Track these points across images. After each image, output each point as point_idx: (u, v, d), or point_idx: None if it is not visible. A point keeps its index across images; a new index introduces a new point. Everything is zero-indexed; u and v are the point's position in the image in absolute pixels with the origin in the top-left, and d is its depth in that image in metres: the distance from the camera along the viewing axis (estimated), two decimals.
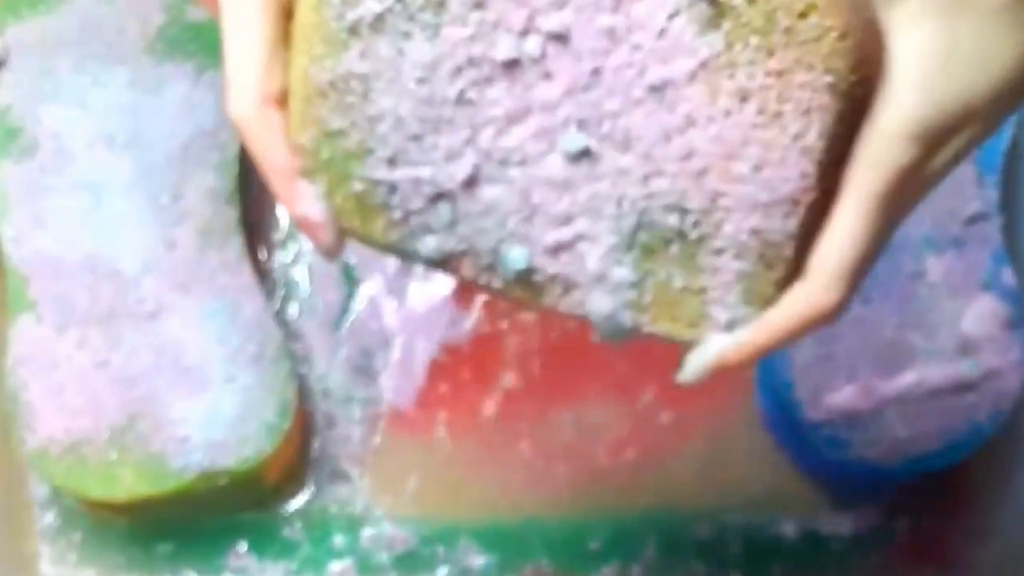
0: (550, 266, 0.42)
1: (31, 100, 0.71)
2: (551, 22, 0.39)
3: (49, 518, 0.74)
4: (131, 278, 0.70)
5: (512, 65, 0.39)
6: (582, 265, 0.42)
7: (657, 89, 0.39)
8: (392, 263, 0.77)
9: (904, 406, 0.71)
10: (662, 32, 0.38)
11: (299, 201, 0.41)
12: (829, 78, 0.38)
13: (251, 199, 0.76)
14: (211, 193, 0.72)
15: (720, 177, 0.39)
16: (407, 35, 0.39)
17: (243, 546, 0.74)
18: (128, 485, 0.68)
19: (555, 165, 0.40)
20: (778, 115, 0.39)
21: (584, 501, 0.76)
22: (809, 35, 0.38)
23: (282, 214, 0.78)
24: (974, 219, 0.73)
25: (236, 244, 0.72)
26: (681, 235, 0.41)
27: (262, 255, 0.77)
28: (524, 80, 0.39)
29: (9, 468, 0.74)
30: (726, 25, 0.38)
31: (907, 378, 0.71)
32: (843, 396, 0.71)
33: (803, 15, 0.38)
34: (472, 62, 0.39)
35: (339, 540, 0.74)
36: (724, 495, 0.76)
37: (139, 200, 0.71)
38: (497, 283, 0.42)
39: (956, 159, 0.39)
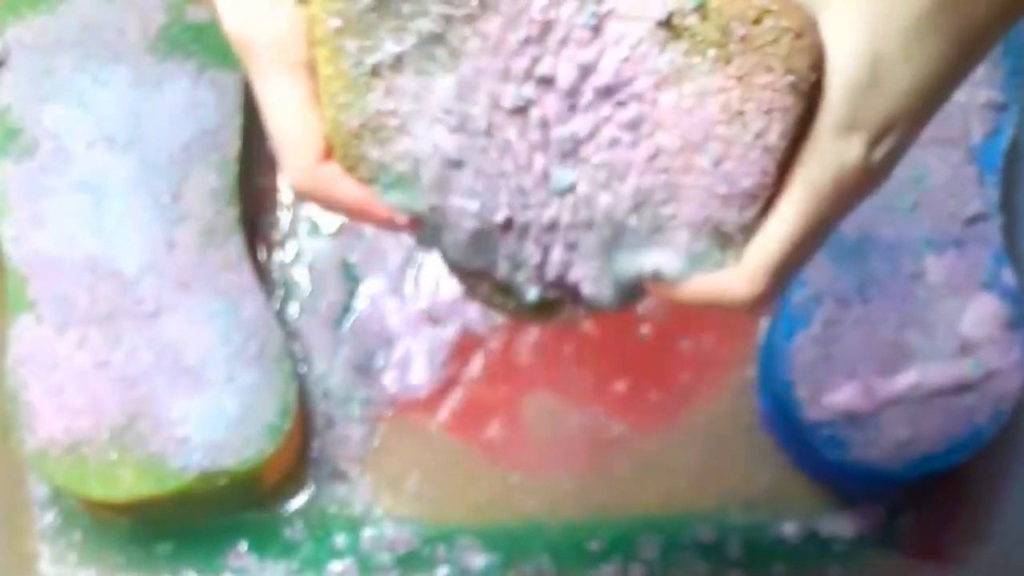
0: (553, 292, 0.43)
1: (31, 100, 0.71)
2: (544, 67, 0.39)
3: (49, 518, 0.74)
4: (131, 278, 0.70)
5: (517, 112, 0.40)
6: (577, 283, 0.43)
7: (623, 103, 0.40)
8: (394, 262, 0.77)
9: (904, 406, 0.71)
10: (628, 57, 0.39)
11: (396, 214, 0.42)
12: (791, 78, 0.38)
13: (251, 199, 0.76)
14: (211, 193, 0.72)
15: (682, 169, 0.40)
16: (428, 72, 0.40)
17: (243, 546, 0.74)
18: (128, 485, 0.68)
19: (553, 205, 0.41)
20: (740, 113, 0.39)
21: (584, 501, 0.75)
22: (766, 39, 0.38)
23: (282, 214, 0.78)
24: (974, 219, 0.73)
25: (236, 244, 0.72)
26: (643, 222, 0.41)
27: (262, 255, 0.77)
28: (527, 125, 0.40)
29: (9, 468, 0.74)
30: (683, 45, 0.39)
31: (907, 378, 0.71)
32: (843, 396, 0.71)
33: (757, 21, 0.38)
34: (491, 98, 0.40)
35: (339, 540, 0.74)
36: (724, 495, 0.76)
37: (139, 200, 0.71)
38: (511, 306, 0.44)
39: (892, 160, 0.40)
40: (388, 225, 0.42)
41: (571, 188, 0.41)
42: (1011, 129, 0.75)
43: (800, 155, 0.40)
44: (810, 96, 0.39)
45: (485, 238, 0.42)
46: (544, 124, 0.40)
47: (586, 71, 0.39)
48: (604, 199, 0.41)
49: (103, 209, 0.71)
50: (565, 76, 0.40)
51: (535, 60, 0.39)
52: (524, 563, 0.74)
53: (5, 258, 0.70)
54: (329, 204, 0.42)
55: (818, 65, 0.38)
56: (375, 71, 0.40)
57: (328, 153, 0.41)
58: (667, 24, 0.38)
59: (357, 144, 0.41)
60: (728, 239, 0.41)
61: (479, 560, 0.74)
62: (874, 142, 0.39)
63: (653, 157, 0.40)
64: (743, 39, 0.38)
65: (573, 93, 0.40)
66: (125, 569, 0.74)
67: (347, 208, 0.42)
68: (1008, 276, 0.73)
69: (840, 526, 0.76)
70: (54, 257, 0.70)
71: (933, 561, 0.76)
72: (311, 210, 0.78)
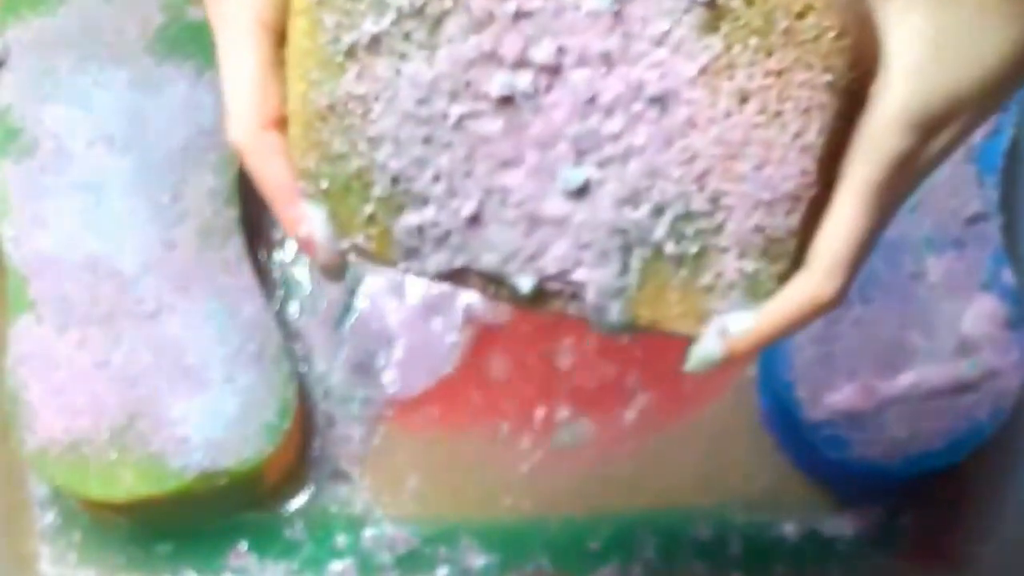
0: (556, 285, 0.42)
1: (31, 100, 0.71)
2: (544, 52, 0.39)
3: (49, 518, 0.74)
4: (131, 278, 0.70)
5: (506, 102, 0.39)
6: (587, 279, 0.42)
7: (657, 99, 0.39)
8: None
9: (904, 406, 0.71)
10: (660, 43, 0.38)
11: (302, 223, 0.41)
12: (828, 76, 0.38)
13: (251, 199, 0.76)
14: (211, 193, 0.72)
15: (722, 177, 0.40)
16: (404, 56, 0.39)
17: (243, 546, 0.74)
18: (128, 485, 0.68)
19: (555, 202, 0.40)
20: (778, 114, 0.39)
21: (584, 501, 0.75)
22: (807, 35, 0.38)
23: None
24: (974, 219, 0.73)
25: (236, 244, 0.72)
26: (684, 237, 0.41)
27: (262, 255, 0.77)
28: (519, 118, 0.39)
29: (9, 468, 0.74)
30: (724, 27, 0.38)
31: (907, 378, 0.71)
32: (843, 396, 0.71)
33: (801, 15, 0.38)
34: (470, 87, 0.39)
35: (340, 540, 0.74)
36: (724, 495, 0.76)
37: (139, 200, 0.71)
38: (505, 294, 0.43)
39: (949, 148, 0.40)
40: (287, 225, 0.41)
41: (585, 187, 0.40)
42: (1011, 129, 0.74)
43: (855, 146, 0.39)
44: (847, 92, 0.39)
45: (447, 237, 0.41)
46: (549, 119, 0.39)
47: (609, 61, 0.39)
48: (629, 204, 0.40)
49: (103, 209, 0.71)
50: (580, 65, 0.39)
51: (530, 40, 0.38)
52: (524, 563, 0.74)
53: (5, 258, 0.70)
54: (255, 174, 0.41)
55: (856, 64, 0.38)
56: (350, 52, 0.39)
57: (278, 123, 0.40)
58: (710, 4, 0.38)
59: (320, 127, 0.40)
60: (777, 244, 0.40)
61: (479, 560, 0.74)
62: (932, 133, 0.39)
63: (688, 162, 0.39)
64: (786, 32, 0.38)
65: (592, 85, 0.39)
66: (125, 569, 0.74)
67: (266, 187, 0.41)
68: (1007, 276, 0.73)
69: (840, 526, 0.76)
70: (54, 257, 0.70)
71: (933, 561, 0.76)
72: None
